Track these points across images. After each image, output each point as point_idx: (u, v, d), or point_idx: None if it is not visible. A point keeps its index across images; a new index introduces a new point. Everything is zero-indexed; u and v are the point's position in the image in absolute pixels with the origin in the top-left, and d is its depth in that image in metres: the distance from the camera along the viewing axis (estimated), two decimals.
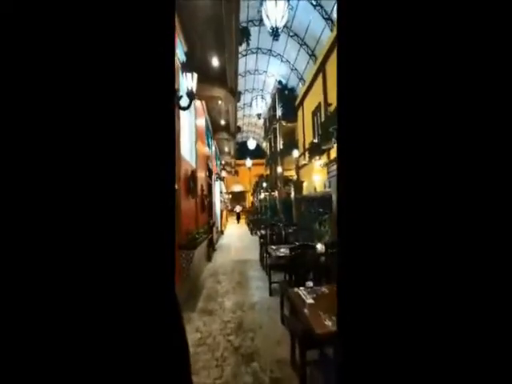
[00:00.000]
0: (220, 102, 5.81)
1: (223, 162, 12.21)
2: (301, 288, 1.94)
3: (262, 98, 14.60)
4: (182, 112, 3.39)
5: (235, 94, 5.57)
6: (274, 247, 3.56)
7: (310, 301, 1.75)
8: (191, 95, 2.68)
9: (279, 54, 15.36)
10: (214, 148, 8.25)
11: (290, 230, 4.75)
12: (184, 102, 2.80)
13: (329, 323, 1.42)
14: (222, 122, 7.46)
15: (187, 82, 2.67)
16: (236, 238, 10.70)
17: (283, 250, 3.35)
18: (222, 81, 5.25)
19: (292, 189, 6.32)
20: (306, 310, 1.65)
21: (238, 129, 10.19)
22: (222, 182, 11.42)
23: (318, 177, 12.35)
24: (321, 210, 4.89)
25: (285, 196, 6.19)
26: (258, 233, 5.44)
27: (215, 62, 4.77)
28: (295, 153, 6.66)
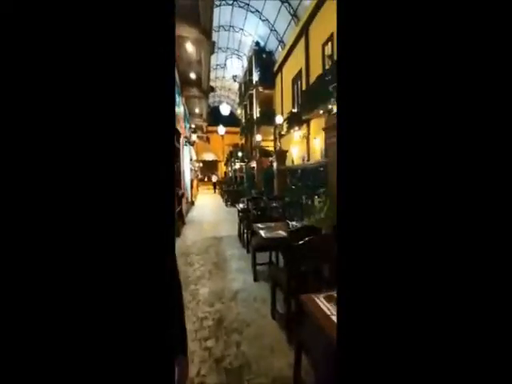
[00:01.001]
0: (190, 47, 4.72)
1: (193, 126, 10.98)
2: (320, 296, 1.32)
3: (238, 57, 13.18)
4: None
5: (210, 37, 4.52)
6: (260, 225, 2.92)
7: None
8: None
9: (258, 11, 13.80)
10: (182, 107, 7.11)
11: (274, 204, 4.13)
12: None
13: None
14: (193, 76, 6.31)
15: None
16: (209, 209, 9.92)
17: (273, 231, 2.72)
18: (193, 16, 4.16)
19: (274, 159, 5.63)
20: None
21: (212, 89, 8.99)
22: (191, 148, 10.34)
23: (296, 148, 11.80)
24: (310, 183, 4.28)
25: (267, 166, 5.51)
26: (237, 206, 4.76)
27: None
28: (278, 118, 5.89)
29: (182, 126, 6.85)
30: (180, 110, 6.59)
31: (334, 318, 1.14)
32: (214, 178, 19.53)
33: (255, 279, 3.06)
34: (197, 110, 9.98)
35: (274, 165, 5.72)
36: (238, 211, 4.53)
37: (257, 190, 6.34)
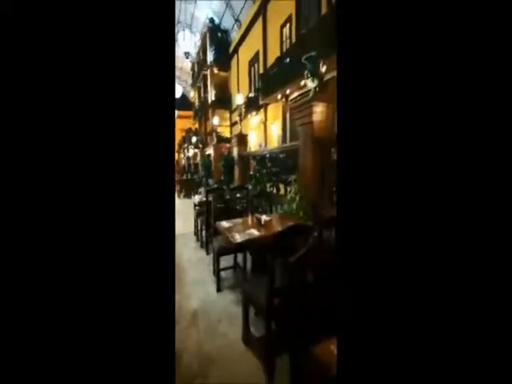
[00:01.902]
0: None
1: None
2: None
3: (191, 31, 11.94)
4: None
5: None
6: (225, 224, 2.30)
7: None
8: None
9: None
10: None
11: (237, 195, 3.53)
12: None
13: None
14: None
15: None
16: None
17: (243, 230, 2.13)
18: None
19: (235, 144, 4.99)
20: None
21: None
22: None
23: (253, 134, 11.26)
24: (277, 169, 3.78)
25: (226, 152, 4.86)
26: (193, 198, 4.04)
27: None
28: (239, 98, 5.23)
29: None
30: None
31: None
32: None
33: (219, 289, 2.46)
34: None
35: (235, 151, 5.08)
36: (195, 205, 3.81)
37: (214, 180, 5.66)
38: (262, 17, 10.52)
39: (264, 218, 2.48)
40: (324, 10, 6.84)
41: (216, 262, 2.49)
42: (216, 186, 3.69)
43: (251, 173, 4.44)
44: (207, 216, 3.13)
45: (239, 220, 2.45)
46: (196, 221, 3.84)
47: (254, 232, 2.01)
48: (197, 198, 3.85)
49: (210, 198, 3.16)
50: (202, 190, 4.04)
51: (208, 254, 3.31)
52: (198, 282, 2.67)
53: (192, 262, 3.21)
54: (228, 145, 6.35)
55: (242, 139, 5.06)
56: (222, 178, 4.93)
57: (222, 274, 2.63)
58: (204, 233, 3.48)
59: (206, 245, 3.40)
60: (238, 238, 1.88)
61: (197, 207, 3.77)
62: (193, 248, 3.68)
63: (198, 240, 3.85)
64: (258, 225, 2.22)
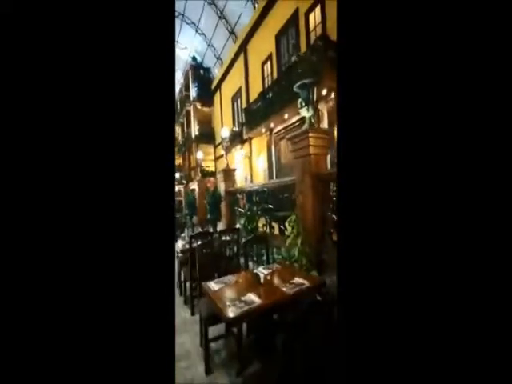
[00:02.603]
0: None
1: None
2: None
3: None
4: None
5: None
6: (214, 285, 1.81)
7: None
8: None
9: (193, 23, 13.17)
10: None
11: (226, 238, 3.06)
12: None
13: None
14: None
15: None
16: None
17: (237, 295, 1.64)
18: None
19: (222, 179, 4.62)
20: None
21: None
22: None
23: (238, 169, 11.06)
24: (270, 206, 3.39)
25: (212, 187, 4.46)
26: (177, 244, 3.52)
27: None
28: (224, 131, 4.99)
29: None
30: None
31: None
32: None
33: (208, 370, 1.90)
34: None
35: (221, 186, 4.70)
36: (177, 252, 3.28)
37: (199, 218, 5.17)
38: (244, 55, 10.88)
39: (262, 272, 2.03)
40: (303, 48, 7.07)
41: (204, 332, 1.95)
42: (201, 229, 3.22)
43: (241, 209, 4.03)
44: (191, 268, 2.62)
45: (231, 278, 1.96)
46: (179, 271, 3.29)
47: (253, 298, 1.54)
48: (180, 244, 3.34)
49: (195, 245, 2.68)
50: (185, 233, 3.54)
51: (193, 314, 2.74)
52: (181, 357, 2.09)
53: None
54: (212, 179, 5.99)
55: (229, 174, 4.72)
56: (208, 216, 4.47)
57: (212, 344, 2.09)
58: (188, 284, 2.94)
59: (190, 301, 2.84)
60: (232, 310, 1.40)
61: (179, 255, 3.24)
62: (175, 304, 3.08)
63: (181, 294, 3.25)
64: (257, 284, 1.76)
